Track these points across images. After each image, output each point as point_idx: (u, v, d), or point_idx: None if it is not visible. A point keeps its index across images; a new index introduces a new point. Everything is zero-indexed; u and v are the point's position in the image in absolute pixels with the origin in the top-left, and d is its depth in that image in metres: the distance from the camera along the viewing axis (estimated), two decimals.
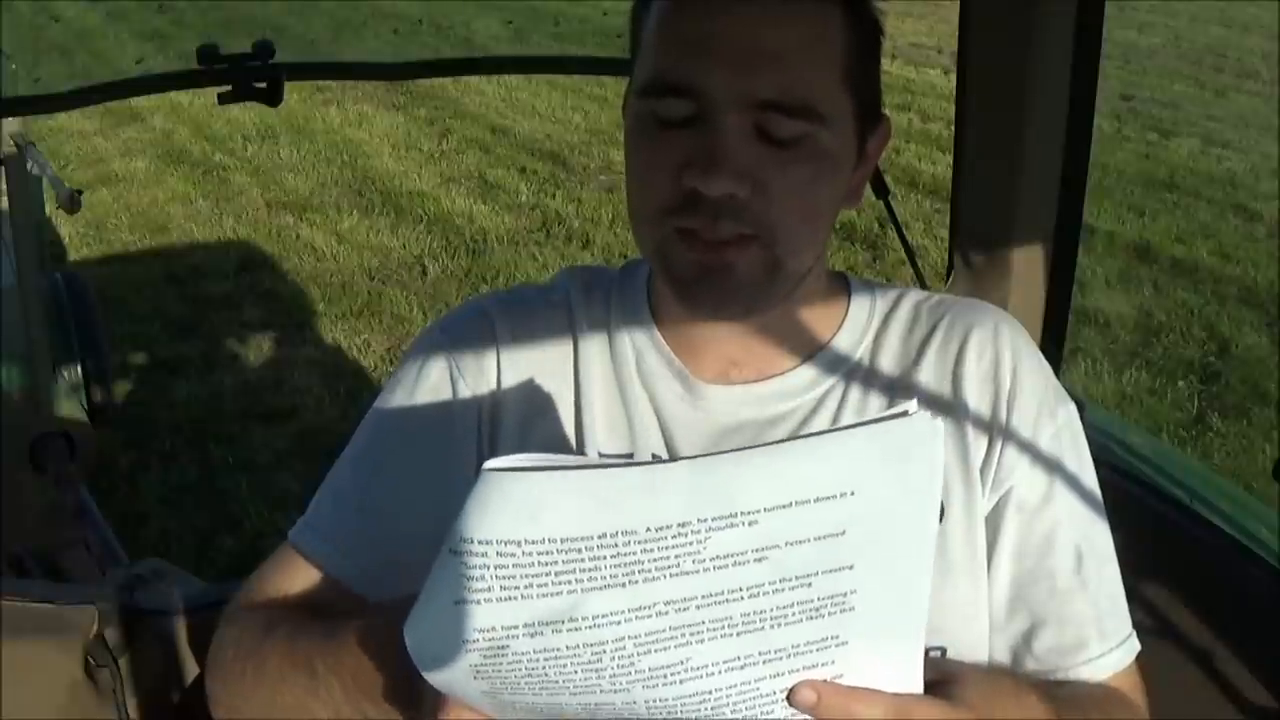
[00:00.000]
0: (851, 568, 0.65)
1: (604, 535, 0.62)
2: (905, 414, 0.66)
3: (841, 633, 0.66)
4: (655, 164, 0.88)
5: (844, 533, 0.65)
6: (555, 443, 0.95)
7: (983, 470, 0.93)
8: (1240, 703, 1.27)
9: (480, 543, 0.62)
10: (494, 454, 0.95)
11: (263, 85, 1.28)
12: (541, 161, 6.94)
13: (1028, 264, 1.52)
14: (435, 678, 0.67)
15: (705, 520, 0.62)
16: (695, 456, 0.65)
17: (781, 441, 0.65)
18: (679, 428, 0.95)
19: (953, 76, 1.57)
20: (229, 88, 1.27)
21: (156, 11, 10.58)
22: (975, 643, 0.93)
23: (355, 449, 1.00)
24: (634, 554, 0.62)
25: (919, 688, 0.71)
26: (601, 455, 0.95)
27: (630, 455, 0.95)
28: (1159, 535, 1.36)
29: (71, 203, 2.82)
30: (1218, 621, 1.31)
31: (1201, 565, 1.37)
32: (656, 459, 0.63)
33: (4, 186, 3.16)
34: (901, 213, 3.83)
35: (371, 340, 4.57)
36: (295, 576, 0.97)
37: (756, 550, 0.63)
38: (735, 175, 0.85)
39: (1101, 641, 0.93)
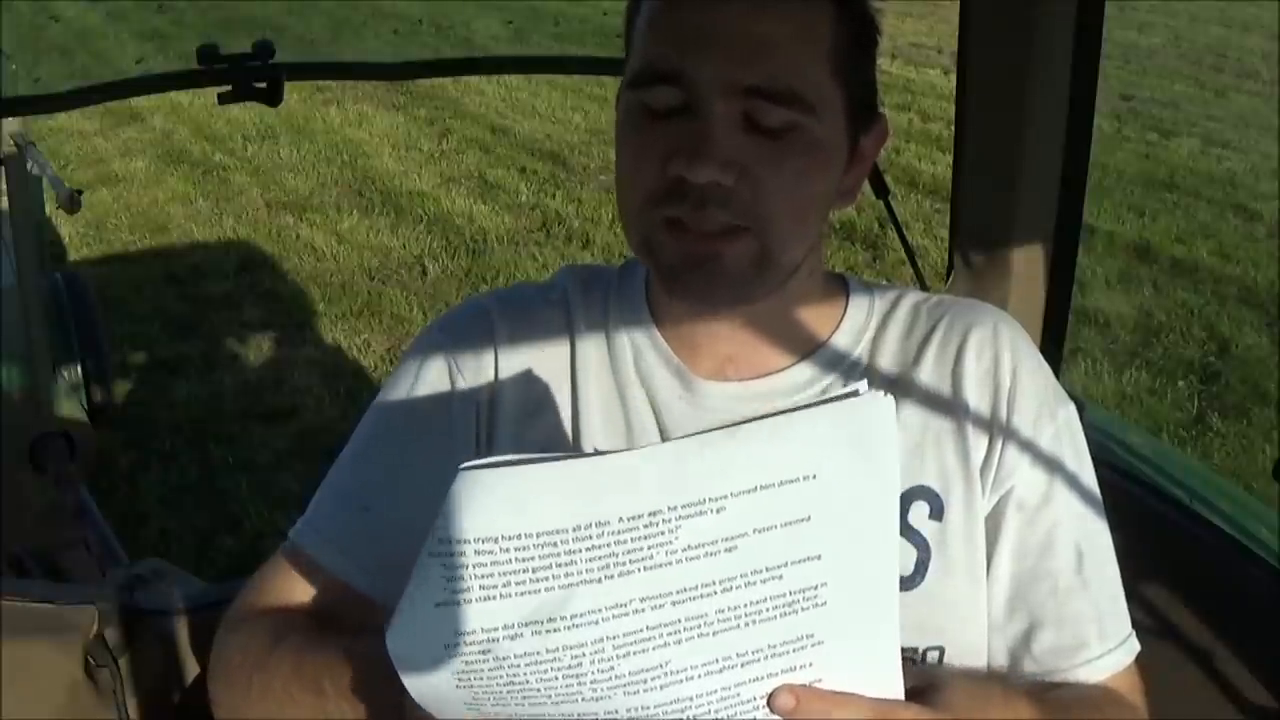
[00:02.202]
0: (819, 558, 0.66)
1: (578, 528, 0.63)
2: (856, 393, 0.67)
3: (816, 631, 0.67)
4: (642, 154, 0.88)
5: (809, 518, 0.65)
6: (552, 440, 0.96)
7: (983, 470, 0.93)
8: (1240, 703, 1.27)
9: (457, 542, 0.63)
10: (491, 452, 0.96)
11: (263, 85, 1.28)
12: (541, 161, 6.94)
13: (1028, 264, 1.52)
14: (419, 688, 0.67)
15: (675, 508, 0.63)
16: (658, 444, 0.66)
17: (740, 423, 0.66)
18: (677, 425, 0.95)
19: (953, 76, 1.57)
20: (229, 88, 1.27)
21: (156, 11, 10.57)
22: (975, 643, 0.93)
23: (355, 447, 1.00)
24: (608, 545, 0.63)
25: (899, 693, 0.71)
26: (597, 452, 0.94)
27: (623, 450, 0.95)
28: (1159, 535, 1.36)
29: (71, 203, 2.82)
30: (1218, 621, 1.31)
31: (1201, 565, 1.37)
32: (626, 449, 0.65)
33: (4, 186, 3.16)
34: (901, 213, 3.83)
35: (371, 340, 4.57)
36: (297, 577, 0.97)
37: (726, 539, 0.64)
38: (722, 163, 0.85)
39: (1101, 642, 0.93)
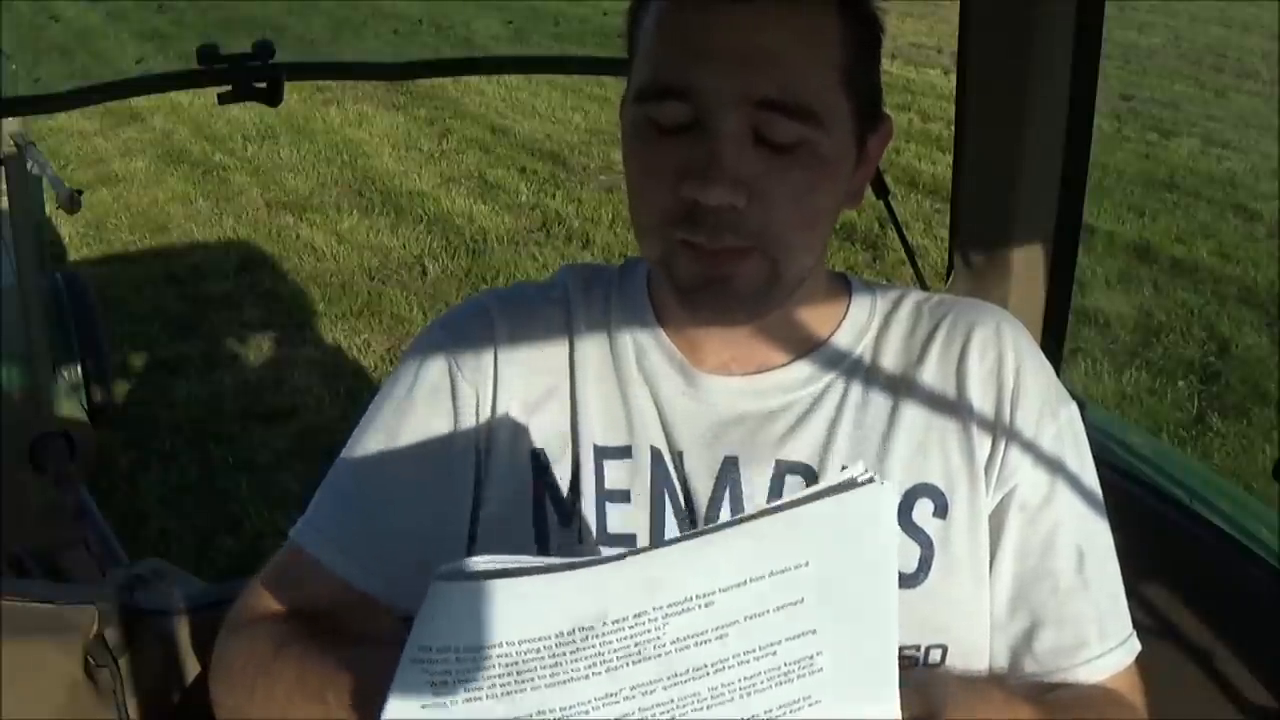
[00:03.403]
0: (815, 632, 0.65)
1: (561, 634, 0.63)
2: (853, 482, 0.66)
3: (813, 693, 0.66)
4: (653, 173, 0.88)
5: (802, 600, 0.65)
6: (551, 438, 0.96)
7: (987, 468, 0.93)
8: (1240, 703, 1.27)
9: (439, 650, 0.63)
10: (491, 450, 0.96)
11: (263, 85, 1.28)
12: (541, 161, 6.94)
13: (1028, 264, 1.52)
14: None
15: (660, 608, 0.63)
16: (641, 550, 0.65)
17: (728, 525, 0.65)
18: (679, 420, 0.95)
19: (953, 76, 1.57)
20: (229, 88, 1.27)
21: (156, 11, 10.57)
22: (977, 641, 0.93)
23: (355, 447, 1.00)
24: (594, 648, 0.63)
25: (897, 715, 0.71)
26: (597, 449, 0.95)
27: (628, 449, 0.95)
28: (1159, 535, 1.36)
29: (71, 203, 2.82)
30: (1218, 621, 1.31)
31: (1201, 565, 1.37)
32: (603, 557, 0.64)
33: (4, 186, 3.16)
34: (901, 213, 3.82)
35: (371, 340, 4.57)
36: (298, 577, 0.97)
37: (717, 629, 0.64)
38: (732, 184, 0.85)
39: (1102, 642, 0.93)
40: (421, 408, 0.98)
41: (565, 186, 6.47)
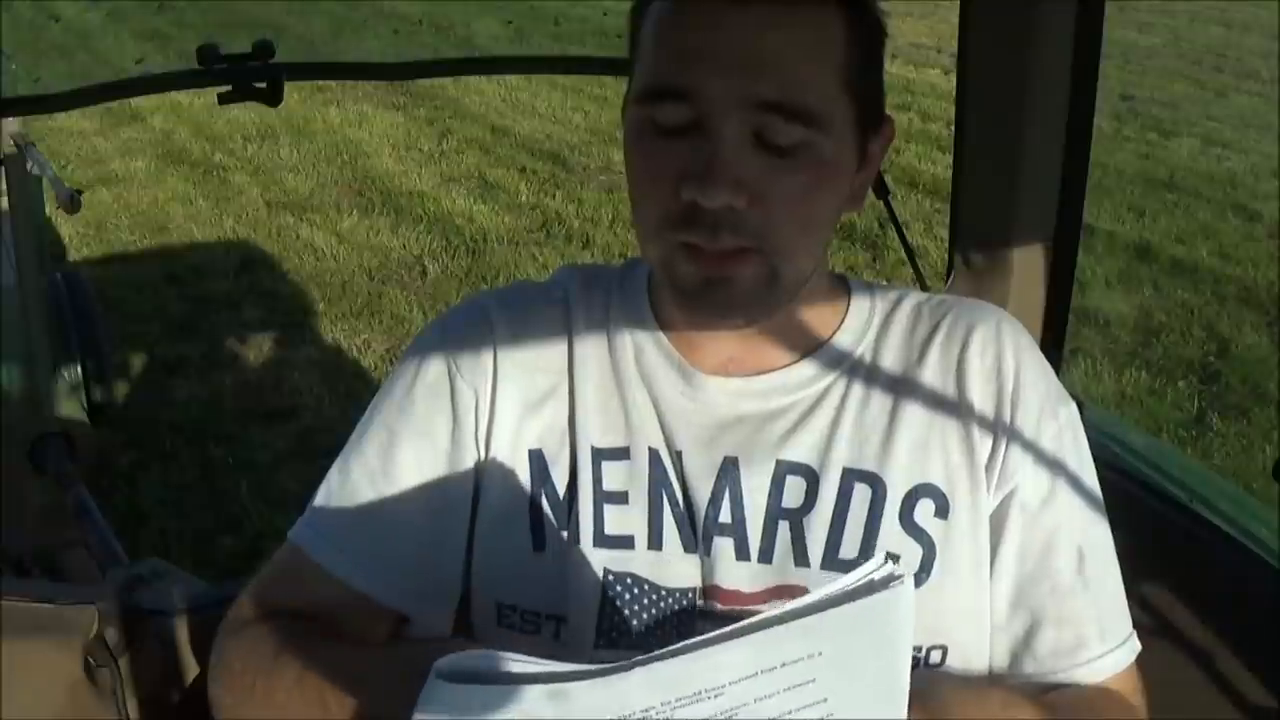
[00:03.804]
0: (825, 700, 0.65)
1: None
2: (871, 584, 0.65)
3: None
4: (654, 174, 0.88)
5: (813, 680, 0.64)
6: (549, 439, 0.96)
7: (988, 468, 0.93)
8: (1240, 703, 1.27)
9: None
10: (490, 451, 0.96)
11: (263, 85, 1.28)
12: (541, 161, 6.94)
13: (1028, 264, 1.52)
14: None
15: (669, 702, 0.63)
16: (649, 659, 0.64)
17: (743, 630, 0.64)
18: (678, 421, 0.95)
19: (953, 76, 1.57)
20: (229, 88, 1.27)
21: (156, 11, 10.57)
22: (977, 641, 0.93)
23: (354, 447, 1.00)
24: None
25: None
26: (595, 449, 0.95)
27: (626, 450, 0.95)
28: (1159, 535, 1.36)
29: (71, 203, 2.82)
30: (1218, 621, 1.31)
31: (1201, 565, 1.37)
32: (611, 666, 0.63)
33: (4, 186, 3.16)
34: (901, 213, 3.83)
35: (371, 340, 4.57)
36: (297, 577, 0.97)
37: (725, 712, 0.64)
38: (733, 186, 0.84)
39: (1102, 642, 0.93)
40: (420, 408, 0.98)
41: (565, 186, 6.47)
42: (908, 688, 0.69)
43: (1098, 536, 0.95)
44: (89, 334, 3.73)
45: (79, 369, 3.64)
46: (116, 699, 1.20)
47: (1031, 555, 0.93)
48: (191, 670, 1.24)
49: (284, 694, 0.88)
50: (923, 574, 0.91)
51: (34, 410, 3.09)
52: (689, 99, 0.85)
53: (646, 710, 0.63)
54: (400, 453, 0.97)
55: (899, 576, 0.65)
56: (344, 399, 4.05)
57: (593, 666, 0.63)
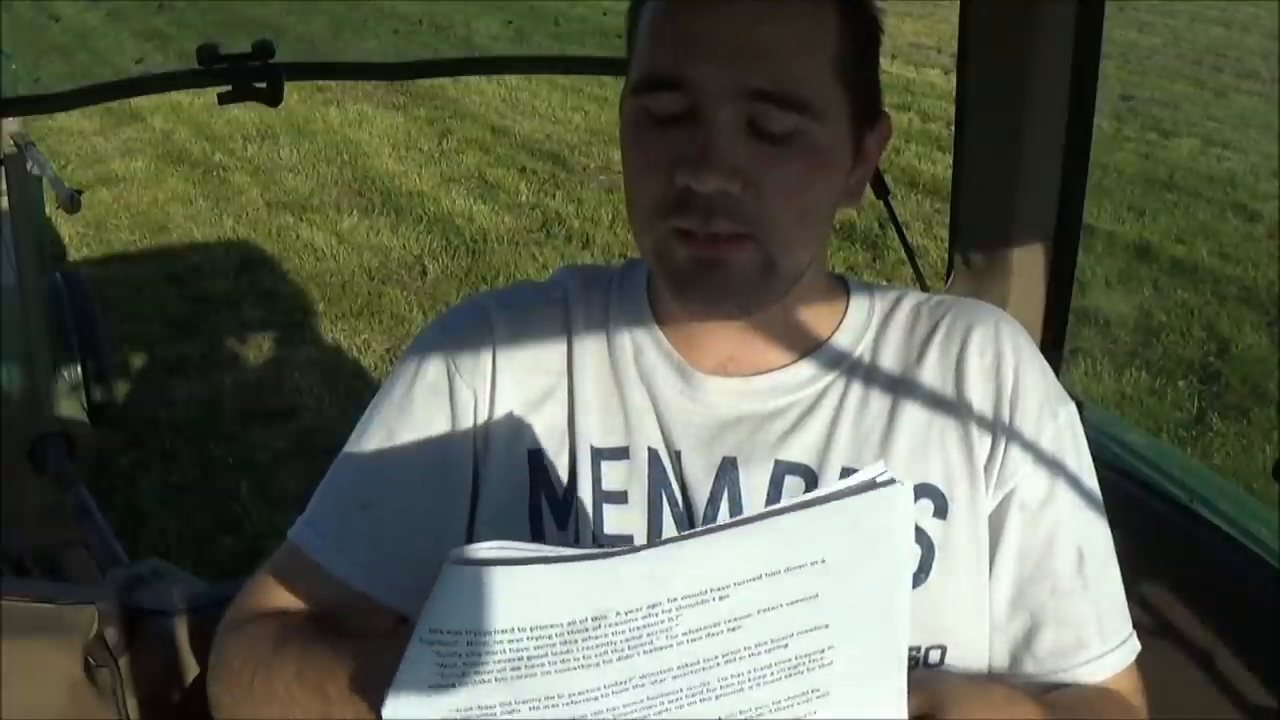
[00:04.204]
0: (827, 627, 0.66)
1: (573, 623, 0.63)
2: (873, 482, 0.66)
3: (822, 686, 0.67)
4: (648, 162, 0.88)
5: (817, 596, 0.65)
6: (549, 439, 0.96)
7: (987, 468, 0.93)
8: (1240, 703, 1.27)
9: (450, 633, 0.63)
10: (489, 451, 0.96)
11: (263, 85, 1.28)
12: (541, 161, 6.94)
13: (1028, 264, 1.52)
14: None
15: (675, 600, 0.63)
16: (656, 543, 0.65)
17: (745, 520, 0.65)
18: (677, 421, 0.95)
19: (953, 76, 1.57)
20: (229, 88, 1.27)
21: (156, 11, 10.57)
22: (976, 642, 0.93)
23: (353, 447, 1.00)
24: (605, 636, 0.63)
25: (904, 715, 0.71)
26: (594, 450, 0.95)
27: (625, 450, 0.95)
28: (1159, 535, 1.36)
29: (71, 203, 2.81)
30: (1218, 621, 1.31)
31: (1201, 565, 1.37)
32: (620, 549, 0.64)
33: (4, 186, 3.16)
34: (901, 213, 3.83)
35: (371, 340, 4.57)
36: (296, 577, 0.97)
37: (729, 621, 0.64)
38: (727, 171, 0.84)
39: (1102, 642, 0.93)
40: (420, 408, 0.98)
41: (565, 186, 6.47)
42: (908, 630, 0.69)
43: (1097, 536, 0.95)
44: (89, 334, 3.73)
45: (79, 369, 3.65)
46: (116, 699, 1.20)
47: (1031, 555, 0.93)
48: (191, 670, 1.24)
49: (284, 687, 0.88)
50: (921, 574, 0.91)
51: (34, 410, 3.09)
52: (683, 88, 0.86)
53: (653, 605, 0.63)
54: (400, 452, 0.97)
55: (897, 482, 0.66)
56: (344, 399, 4.06)
57: (600, 550, 0.64)
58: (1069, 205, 1.48)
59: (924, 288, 1.55)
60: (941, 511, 0.92)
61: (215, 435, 3.87)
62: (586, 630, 0.63)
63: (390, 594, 0.96)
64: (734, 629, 0.64)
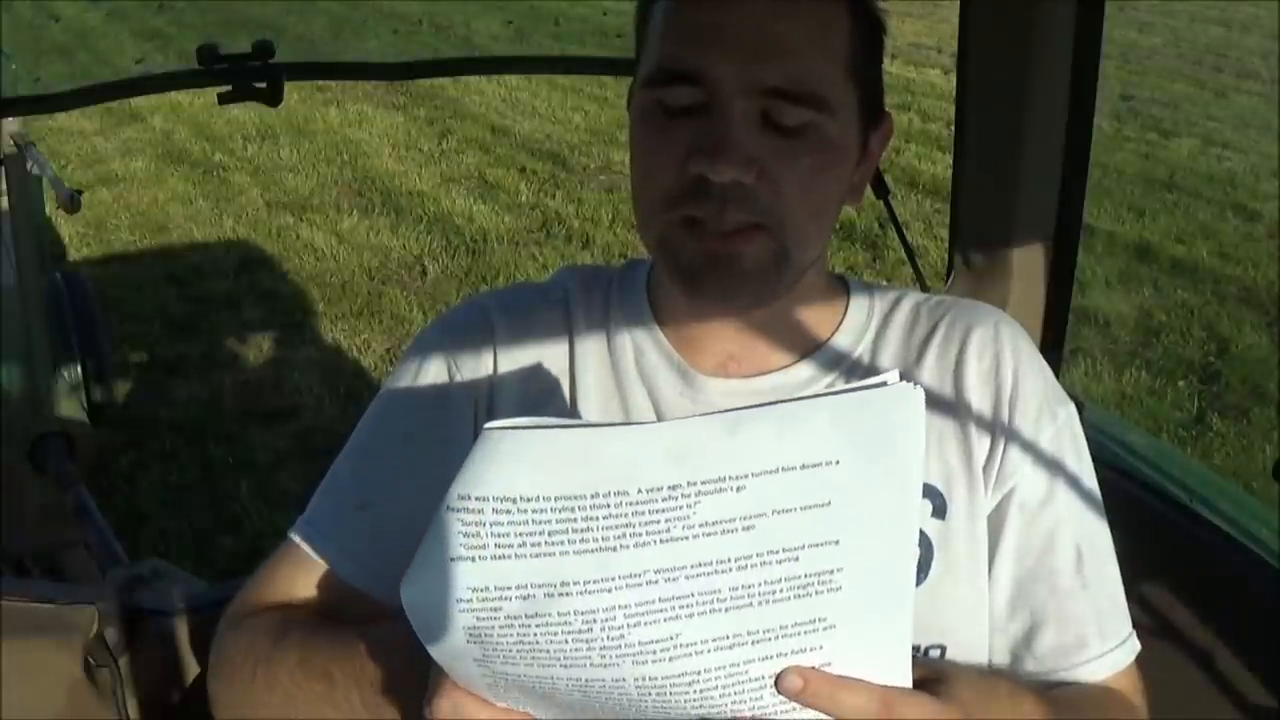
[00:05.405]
0: (837, 543, 0.66)
1: (596, 495, 0.63)
2: (884, 384, 0.67)
3: (829, 615, 0.67)
4: (661, 152, 0.88)
5: (829, 503, 0.65)
6: None
7: (985, 469, 0.93)
8: (1240, 703, 1.27)
9: (477, 499, 0.64)
10: None
11: (263, 85, 1.28)
12: (541, 161, 6.94)
13: (1028, 264, 1.52)
14: (429, 639, 0.68)
15: (695, 484, 0.64)
16: (685, 418, 0.66)
17: (763, 405, 0.66)
18: None
19: (953, 76, 1.57)
20: (229, 88, 1.27)
21: (156, 11, 10.58)
22: (976, 642, 0.93)
23: (354, 446, 1.00)
24: (625, 516, 0.63)
25: (907, 682, 0.71)
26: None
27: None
28: (1159, 535, 1.36)
29: (71, 203, 2.81)
30: (1218, 621, 1.31)
31: (1201, 565, 1.37)
32: (642, 422, 0.65)
33: (4, 186, 3.16)
34: (901, 213, 3.83)
35: (371, 340, 4.57)
36: (298, 575, 0.97)
37: (745, 518, 0.64)
38: (743, 161, 0.85)
39: (1101, 642, 0.93)
40: (420, 408, 0.98)
41: (565, 186, 6.47)
42: (914, 564, 0.70)
43: (1097, 536, 0.95)
44: (89, 334, 3.73)
45: (79, 369, 3.65)
46: (116, 699, 1.20)
47: (1030, 555, 0.93)
48: (191, 670, 1.24)
49: (287, 675, 0.88)
50: (921, 574, 0.91)
51: (34, 410, 3.09)
52: (699, 82, 0.86)
53: (674, 486, 0.63)
54: (400, 452, 0.97)
55: (909, 384, 0.68)
56: (344, 399, 4.06)
57: (625, 422, 0.65)
58: (1069, 205, 1.48)
59: (924, 288, 1.55)
60: (940, 512, 0.92)
61: (215, 435, 3.87)
62: (609, 506, 0.63)
63: (390, 592, 0.95)
64: (749, 528, 0.64)
